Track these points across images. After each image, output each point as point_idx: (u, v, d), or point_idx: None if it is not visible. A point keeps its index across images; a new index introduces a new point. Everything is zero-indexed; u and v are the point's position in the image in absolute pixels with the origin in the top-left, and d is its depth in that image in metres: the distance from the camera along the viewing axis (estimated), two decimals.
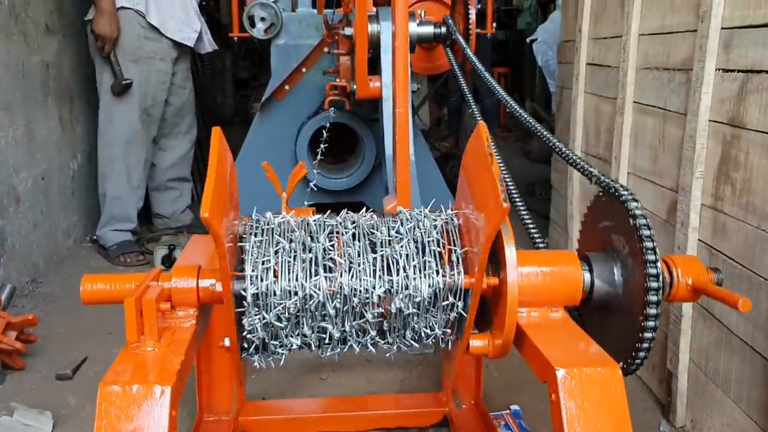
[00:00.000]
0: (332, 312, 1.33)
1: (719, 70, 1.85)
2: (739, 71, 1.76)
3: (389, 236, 1.38)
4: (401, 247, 1.36)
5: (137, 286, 1.26)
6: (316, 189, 3.36)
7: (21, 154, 3.27)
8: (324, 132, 3.05)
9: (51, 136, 3.63)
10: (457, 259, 1.36)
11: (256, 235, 1.35)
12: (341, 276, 1.32)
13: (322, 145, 3.03)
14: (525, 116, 2.00)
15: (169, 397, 1.11)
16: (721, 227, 1.84)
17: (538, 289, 1.41)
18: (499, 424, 2.10)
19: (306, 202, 3.07)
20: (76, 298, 3.25)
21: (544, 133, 1.87)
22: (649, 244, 1.35)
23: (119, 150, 3.69)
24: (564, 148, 1.77)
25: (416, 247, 1.36)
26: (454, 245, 1.38)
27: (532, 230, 1.76)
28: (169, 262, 3.60)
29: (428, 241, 1.37)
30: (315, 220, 1.41)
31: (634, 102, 2.43)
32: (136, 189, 3.80)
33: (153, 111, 3.79)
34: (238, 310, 1.31)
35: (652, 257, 1.34)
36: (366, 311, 1.34)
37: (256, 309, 1.32)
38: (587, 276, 1.44)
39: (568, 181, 3.13)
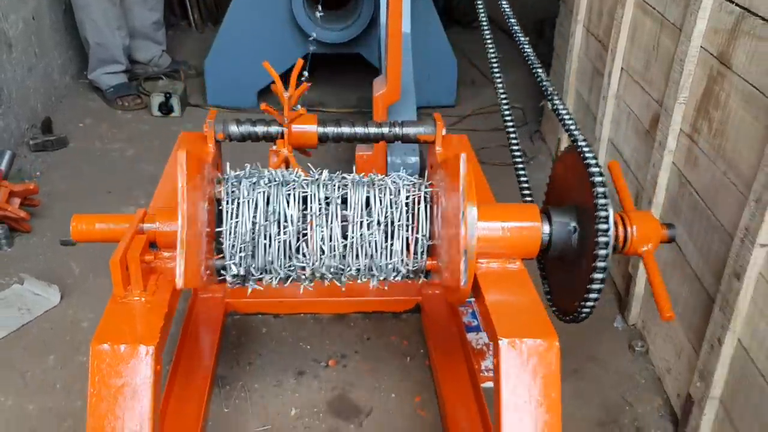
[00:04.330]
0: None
1: None
2: (737, 5, 1.70)
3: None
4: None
5: (121, 244, 1.35)
6: (314, 44, 3.29)
7: None
8: None
9: None
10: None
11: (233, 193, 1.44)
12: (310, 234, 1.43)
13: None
14: None
15: (153, 354, 1.25)
16: (694, 159, 1.88)
17: (498, 243, 1.50)
18: (466, 311, 2.30)
19: (311, 47, 3.01)
20: (77, 148, 3.32)
21: None
22: (602, 202, 1.41)
23: None
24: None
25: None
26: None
27: (516, 153, 1.80)
28: (166, 109, 3.65)
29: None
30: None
31: None
32: (117, 30, 3.68)
33: None
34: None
35: (604, 215, 1.41)
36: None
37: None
38: (546, 230, 1.52)
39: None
